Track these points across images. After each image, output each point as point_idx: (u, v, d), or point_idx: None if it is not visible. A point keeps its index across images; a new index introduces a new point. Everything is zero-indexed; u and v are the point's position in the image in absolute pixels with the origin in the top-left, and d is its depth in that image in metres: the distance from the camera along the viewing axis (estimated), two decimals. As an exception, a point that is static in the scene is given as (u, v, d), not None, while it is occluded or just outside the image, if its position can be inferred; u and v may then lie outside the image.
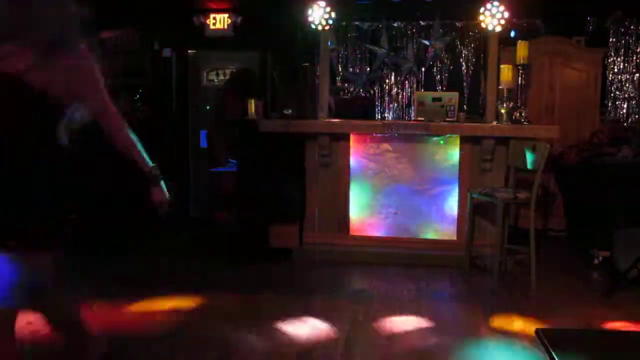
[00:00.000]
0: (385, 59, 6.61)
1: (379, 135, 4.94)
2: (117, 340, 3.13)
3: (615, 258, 4.31)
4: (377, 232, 5.01)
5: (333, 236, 4.94)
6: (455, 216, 4.89)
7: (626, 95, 6.34)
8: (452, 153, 4.86)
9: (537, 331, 1.87)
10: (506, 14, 4.68)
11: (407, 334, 3.36)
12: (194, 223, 6.22)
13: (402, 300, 3.97)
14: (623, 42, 6.31)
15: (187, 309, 3.71)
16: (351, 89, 6.69)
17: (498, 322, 3.52)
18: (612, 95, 6.35)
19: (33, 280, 2.00)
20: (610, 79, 6.34)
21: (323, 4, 4.85)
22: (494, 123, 4.76)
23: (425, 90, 6.42)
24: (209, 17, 6.75)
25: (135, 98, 6.55)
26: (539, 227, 5.29)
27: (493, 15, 4.68)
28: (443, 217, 4.93)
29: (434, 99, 4.93)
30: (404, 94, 6.71)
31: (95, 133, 2.10)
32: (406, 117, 6.59)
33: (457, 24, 6.46)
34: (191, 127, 6.90)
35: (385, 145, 4.95)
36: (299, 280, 4.43)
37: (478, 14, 4.76)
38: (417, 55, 6.57)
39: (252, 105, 4.98)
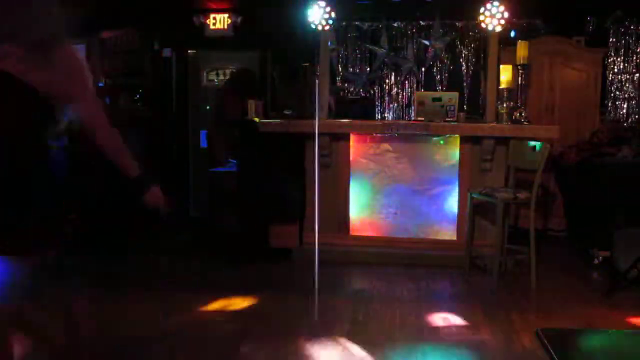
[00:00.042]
0: (385, 59, 6.60)
1: (379, 135, 4.94)
2: (117, 340, 3.14)
3: (615, 258, 4.31)
4: (377, 232, 5.01)
5: (333, 236, 4.93)
6: (455, 216, 4.89)
7: (626, 95, 6.34)
8: (452, 153, 4.86)
9: (537, 331, 1.87)
10: (506, 14, 4.68)
11: (407, 334, 3.35)
12: (194, 223, 6.22)
13: (402, 300, 3.98)
14: (623, 42, 6.32)
15: (187, 309, 3.71)
16: (351, 89, 6.69)
17: (498, 322, 3.52)
18: (612, 95, 6.35)
19: (33, 281, 2.00)
20: (610, 79, 6.34)
21: (323, 4, 4.85)
22: (494, 123, 4.76)
23: (425, 90, 6.42)
24: (209, 17, 6.76)
25: (135, 98, 6.54)
26: (539, 227, 5.29)
27: (493, 15, 4.68)
28: (443, 217, 4.93)
29: (434, 99, 4.93)
30: (404, 94, 6.71)
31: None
32: (406, 117, 6.59)
33: (457, 24, 6.46)
34: (191, 127, 6.90)
35: (385, 145, 4.95)
36: (299, 280, 4.43)
37: (478, 14, 4.76)
38: (417, 55, 6.57)
39: (252, 105, 4.99)
